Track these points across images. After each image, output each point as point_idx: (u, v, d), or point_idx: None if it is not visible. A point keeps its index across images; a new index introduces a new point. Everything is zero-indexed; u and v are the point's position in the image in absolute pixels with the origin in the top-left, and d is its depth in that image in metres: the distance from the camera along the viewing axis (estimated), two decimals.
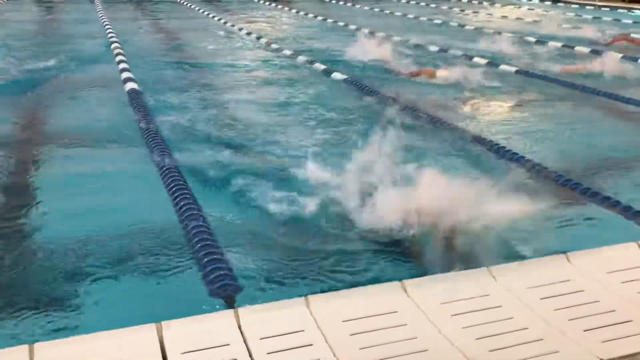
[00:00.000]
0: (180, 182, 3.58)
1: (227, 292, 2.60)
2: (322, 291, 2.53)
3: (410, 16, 14.72)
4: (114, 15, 13.54)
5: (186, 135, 4.85)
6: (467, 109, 6.09)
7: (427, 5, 18.09)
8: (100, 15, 13.44)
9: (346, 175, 3.70)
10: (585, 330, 2.33)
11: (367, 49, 9.25)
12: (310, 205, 3.48)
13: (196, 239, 2.99)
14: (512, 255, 2.96)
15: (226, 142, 4.72)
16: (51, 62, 7.99)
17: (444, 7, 17.36)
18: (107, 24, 11.62)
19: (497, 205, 3.23)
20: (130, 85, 6.30)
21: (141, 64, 7.84)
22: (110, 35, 10.18)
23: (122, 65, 7.40)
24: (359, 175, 3.65)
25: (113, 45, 9.05)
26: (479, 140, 4.96)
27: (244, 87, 6.81)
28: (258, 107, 5.88)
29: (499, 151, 4.68)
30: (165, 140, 4.49)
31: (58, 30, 11.38)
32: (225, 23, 12.42)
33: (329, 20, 13.51)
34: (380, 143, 3.86)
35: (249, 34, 10.96)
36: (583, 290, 2.60)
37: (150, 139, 4.45)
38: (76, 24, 12.36)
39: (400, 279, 2.54)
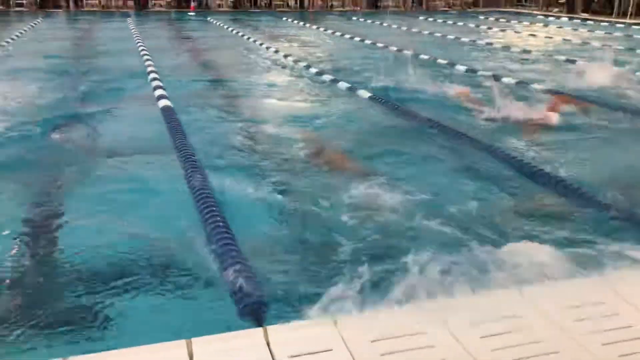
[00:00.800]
0: (210, 201, 3.58)
1: (255, 311, 2.59)
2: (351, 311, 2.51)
3: (438, 34, 14.71)
4: (146, 33, 13.82)
5: (217, 152, 4.88)
6: (514, 134, 5.67)
7: (454, 23, 18.08)
8: (133, 32, 13.75)
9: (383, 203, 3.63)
10: (620, 356, 2.27)
11: (396, 67, 9.25)
12: (343, 227, 3.46)
13: (225, 258, 3.00)
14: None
15: (257, 160, 4.71)
16: (85, 78, 8.19)
17: (471, 25, 17.32)
18: (139, 41, 11.87)
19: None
20: (163, 103, 6.37)
21: (173, 80, 7.96)
22: (142, 51, 10.39)
23: (155, 83, 7.52)
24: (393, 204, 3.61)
25: (146, 63, 9.22)
26: (540, 174, 4.46)
27: (272, 105, 6.84)
28: (289, 125, 5.88)
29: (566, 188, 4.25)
30: (196, 158, 4.50)
31: (92, 47, 11.67)
32: (254, 41, 12.55)
33: (356, 38, 13.58)
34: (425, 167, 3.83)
35: (276, 51, 11.06)
36: (618, 314, 2.53)
37: (183, 157, 4.46)
38: (110, 41, 12.64)
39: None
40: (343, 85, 7.84)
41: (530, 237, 3.36)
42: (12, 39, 12.41)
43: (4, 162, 4.56)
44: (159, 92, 6.93)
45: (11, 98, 6.74)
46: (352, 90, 7.53)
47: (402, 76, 8.93)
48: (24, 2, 20.25)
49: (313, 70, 9.05)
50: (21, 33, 13.45)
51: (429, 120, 5.99)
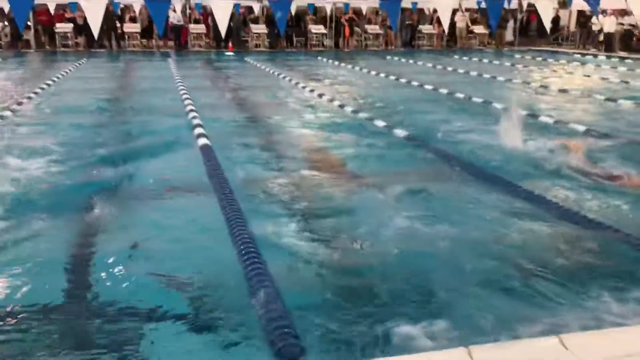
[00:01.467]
0: (249, 243, 3.59)
1: (290, 352, 2.57)
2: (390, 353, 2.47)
3: (473, 73, 14.73)
4: (185, 72, 14.23)
5: (254, 192, 4.91)
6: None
7: (490, 62, 18.09)
8: (173, 71, 14.17)
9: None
10: None
11: (431, 106, 9.28)
12: (380, 270, 3.45)
13: (262, 298, 3.01)
14: None
15: (294, 201, 4.72)
16: (126, 116, 8.44)
17: (507, 64, 17.30)
18: (179, 80, 12.21)
19: None
20: (202, 141, 6.50)
21: (212, 119, 8.12)
22: (182, 90, 10.67)
23: (194, 121, 7.69)
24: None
25: (185, 101, 9.46)
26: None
27: (307, 143, 6.89)
28: (324, 164, 5.91)
29: None
30: (236, 198, 4.54)
31: (133, 86, 12.06)
32: (290, 80, 12.76)
33: (391, 77, 13.70)
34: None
35: (312, 90, 11.22)
36: None
37: (222, 198, 4.50)
38: (150, 79, 13.05)
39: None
40: (379, 123, 7.87)
41: None
42: (58, 77, 12.92)
43: (43, 201, 4.67)
44: (197, 130, 7.07)
45: (52, 135, 6.95)
46: (388, 129, 7.55)
47: (437, 115, 8.96)
48: (70, 42, 21.11)
49: (348, 109, 9.13)
50: (66, 72, 14.00)
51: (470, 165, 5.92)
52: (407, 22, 23.80)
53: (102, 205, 4.55)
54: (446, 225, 4.17)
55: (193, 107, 8.79)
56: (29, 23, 20.93)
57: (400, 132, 7.27)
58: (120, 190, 5.06)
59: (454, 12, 23.83)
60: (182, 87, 11.14)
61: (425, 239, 3.97)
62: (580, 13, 23.98)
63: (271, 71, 14.76)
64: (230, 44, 22.10)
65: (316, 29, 23.37)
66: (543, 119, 8.42)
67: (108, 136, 7.09)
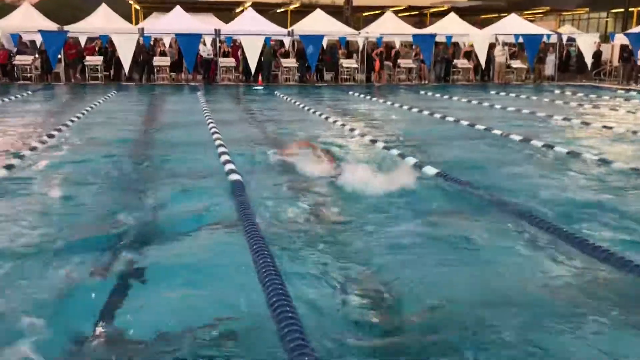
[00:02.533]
0: (279, 289, 3.58)
1: None
2: None
3: (511, 109, 14.70)
4: (214, 106, 14.54)
5: (284, 232, 4.94)
6: None
7: (528, 97, 18.05)
8: (202, 105, 14.48)
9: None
10: None
11: (466, 142, 9.24)
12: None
13: (288, 339, 3.01)
14: None
15: (324, 244, 4.71)
16: (154, 150, 8.63)
17: (547, 100, 17.24)
18: (207, 114, 12.47)
19: None
20: (232, 177, 6.61)
21: (242, 154, 8.29)
22: (210, 124, 10.88)
23: (223, 157, 7.82)
24: None
25: (214, 135, 9.64)
26: None
27: (337, 179, 6.90)
28: (354, 203, 5.92)
29: None
30: (263, 236, 4.57)
31: (161, 120, 12.34)
32: (320, 115, 12.91)
33: (425, 112, 13.75)
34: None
35: (342, 125, 11.32)
36: None
37: (251, 239, 4.52)
38: (179, 113, 13.36)
39: None
40: (410, 160, 7.88)
41: None
42: (87, 110, 13.32)
43: (69, 239, 4.78)
44: (228, 166, 7.18)
45: (79, 172, 7.10)
46: (419, 166, 7.55)
47: (471, 152, 8.95)
48: (99, 75, 21.81)
49: (380, 144, 9.17)
50: (95, 105, 14.43)
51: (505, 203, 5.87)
52: (442, 56, 23.99)
53: (125, 238, 4.65)
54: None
55: (222, 142, 8.95)
56: (59, 56, 21.74)
57: (430, 170, 7.25)
58: (145, 224, 5.13)
59: (491, 46, 23.96)
60: (210, 121, 11.36)
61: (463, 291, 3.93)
62: (623, 48, 23.83)
63: (301, 105, 14.99)
64: (260, 78, 22.53)
65: (347, 63, 23.70)
66: (586, 156, 8.31)
67: (133, 171, 7.25)
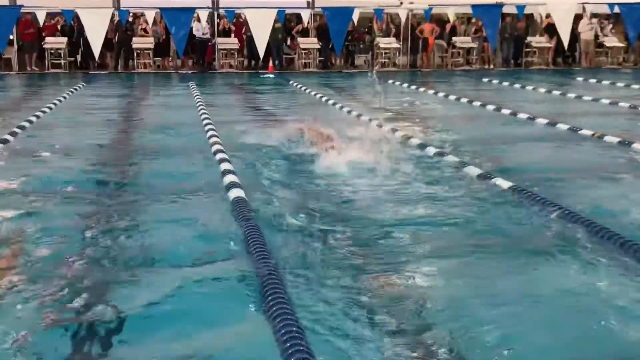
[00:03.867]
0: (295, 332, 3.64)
1: None
2: None
3: (605, 101, 14.54)
4: (212, 101, 14.60)
5: (301, 264, 4.97)
6: None
7: (628, 86, 17.85)
8: (196, 100, 14.56)
9: None
10: None
11: (548, 147, 9.14)
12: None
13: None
14: None
15: (355, 283, 4.72)
16: (137, 162, 8.68)
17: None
18: (203, 112, 12.52)
19: None
20: (234, 193, 6.64)
21: (246, 163, 8.34)
22: (207, 125, 10.92)
23: (223, 166, 7.87)
24: None
25: (211, 139, 9.68)
26: None
27: (374, 196, 6.90)
28: (396, 228, 5.87)
29: None
30: (270, 255, 4.63)
31: (145, 121, 12.45)
32: (349, 112, 12.88)
33: (489, 107, 13.66)
34: None
35: (380, 125, 11.27)
36: None
37: (261, 273, 4.59)
38: (167, 111, 13.50)
39: None
40: (472, 171, 7.84)
41: None
42: (48, 108, 13.46)
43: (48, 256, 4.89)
44: (228, 178, 7.21)
45: (36, 190, 7.12)
46: (485, 178, 7.49)
47: (552, 159, 8.85)
48: (62, 62, 22.16)
49: (431, 150, 9.10)
50: (59, 101, 14.60)
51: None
52: (511, 33, 23.88)
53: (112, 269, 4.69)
54: None
55: (221, 147, 9.00)
56: (11, 37, 22.14)
57: (503, 183, 7.18)
58: (131, 258, 5.16)
59: (576, 18, 23.79)
60: (208, 123, 11.40)
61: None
62: None
63: (325, 99, 15.02)
64: (270, 63, 22.70)
65: (385, 42, 23.78)
66: None
67: (114, 189, 7.28)
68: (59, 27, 23.03)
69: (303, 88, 17.32)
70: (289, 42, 24.23)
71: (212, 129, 10.64)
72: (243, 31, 23.29)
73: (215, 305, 4.36)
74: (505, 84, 18.67)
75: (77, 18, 22.36)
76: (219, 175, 7.56)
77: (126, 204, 6.71)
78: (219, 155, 8.50)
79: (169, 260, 5.10)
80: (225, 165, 7.88)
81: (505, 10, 23.87)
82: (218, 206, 6.42)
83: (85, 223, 5.99)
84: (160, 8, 22.44)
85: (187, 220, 6.08)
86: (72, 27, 22.91)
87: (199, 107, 13.34)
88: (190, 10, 22.11)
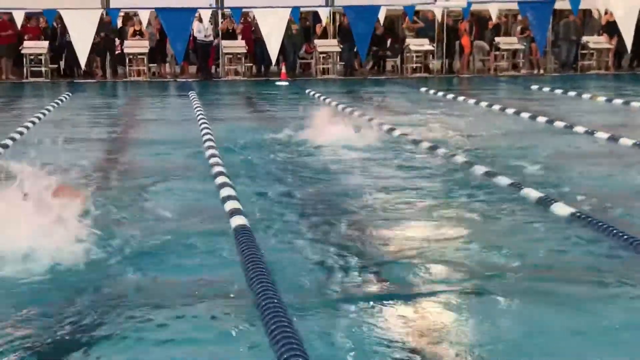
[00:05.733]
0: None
1: None
2: None
3: None
4: (214, 114, 14.59)
5: (314, 309, 4.96)
6: None
7: None
8: (197, 113, 14.54)
9: None
10: None
11: (614, 168, 9.07)
12: None
13: None
14: None
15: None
16: (131, 189, 8.58)
17: None
18: (205, 127, 12.47)
19: None
20: (237, 221, 6.61)
21: (252, 189, 8.33)
22: (209, 143, 10.88)
23: (226, 191, 7.82)
24: None
25: (211, 159, 9.65)
26: None
27: (408, 229, 6.85)
28: (432, 265, 5.83)
29: None
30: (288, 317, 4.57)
31: (138, 141, 12.38)
32: (381, 125, 12.77)
33: (540, 119, 13.53)
34: None
35: (416, 142, 11.17)
36: None
37: (266, 313, 4.61)
38: (162, 128, 13.48)
39: None
40: (530, 194, 7.79)
41: None
42: (29, 124, 13.39)
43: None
44: (231, 204, 7.21)
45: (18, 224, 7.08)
46: (543, 203, 7.41)
47: (617, 181, 8.78)
48: (43, 69, 22.28)
49: (478, 169, 9.08)
50: (42, 115, 14.58)
51: None
52: (566, 32, 23.71)
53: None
54: None
55: (223, 169, 8.98)
56: None
57: (563, 209, 7.11)
58: (132, 293, 5.24)
59: None
60: (208, 137, 11.36)
61: None
62: None
63: (348, 110, 15.03)
64: (283, 69, 22.71)
65: (417, 44, 23.75)
66: None
67: (101, 216, 7.18)
68: (40, 28, 23.07)
69: (321, 98, 17.29)
70: (305, 45, 24.22)
71: (212, 144, 10.65)
72: (252, 33, 23.34)
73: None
74: (558, 91, 18.52)
75: (60, 19, 22.49)
76: (219, 199, 7.57)
77: (118, 229, 6.65)
78: (220, 178, 8.48)
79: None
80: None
81: (557, 6, 23.74)
82: (218, 232, 6.44)
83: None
84: (155, 8, 22.55)
85: (186, 241, 6.14)
86: (54, 30, 23.03)
87: (200, 122, 13.27)
88: (191, 12, 22.18)
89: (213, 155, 10.07)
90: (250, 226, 6.61)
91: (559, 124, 12.93)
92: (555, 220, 6.96)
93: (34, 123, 13.88)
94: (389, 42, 24.15)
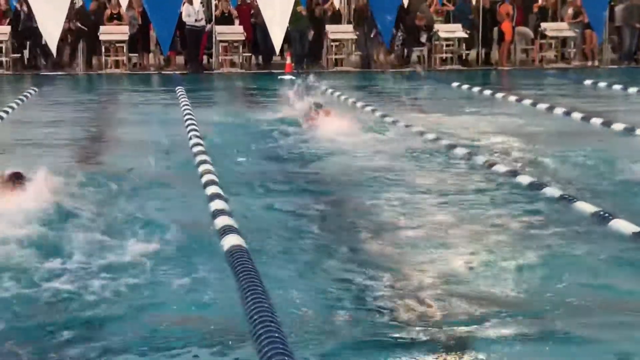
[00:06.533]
0: None
1: None
2: None
3: None
4: (206, 115, 14.57)
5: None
6: None
7: None
8: (185, 113, 14.52)
9: None
10: None
11: None
12: None
13: None
14: None
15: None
16: (110, 204, 8.54)
17: None
18: (193, 130, 12.42)
19: None
20: (230, 240, 6.62)
21: (249, 203, 8.35)
22: (197, 148, 10.85)
23: (216, 204, 7.85)
24: None
25: (202, 167, 9.69)
26: None
27: (435, 253, 6.86)
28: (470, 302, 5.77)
29: None
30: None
31: (116, 149, 12.33)
32: (407, 126, 12.86)
33: (595, 121, 13.46)
34: None
35: (451, 147, 11.20)
36: None
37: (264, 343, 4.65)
38: (144, 131, 13.49)
39: None
40: (583, 208, 7.80)
41: None
42: None
43: None
44: (222, 220, 7.27)
45: None
46: (601, 218, 7.40)
47: None
48: (3, 59, 22.28)
49: (524, 179, 9.13)
50: (5, 114, 14.54)
51: None
52: (628, 18, 23.58)
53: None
54: None
55: (214, 178, 9.03)
56: None
57: (625, 225, 7.14)
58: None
59: None
60: (197, 142, 11.32)
61: None
62: None
63: (367, 108, 15.04)
64: (289, 60, 22.65)
65: (448, 30, 23.69)
66: None
67: (84, 242, 7.16)
68: (2, 10, 23.06)
69: (335, 93, 17.32)
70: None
71: (202, 149, 10.65)
72: (251, 17, 23.34)
73: None
74: (617, 87, 18.45)
75: (25, 1, 22.50)
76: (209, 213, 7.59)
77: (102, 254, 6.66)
78: (211, 187, 8.48)
79: None
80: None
81: None
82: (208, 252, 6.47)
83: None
84: None
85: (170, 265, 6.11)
86: (17, 13, 23.03)
87: (188, 127, 13.18)
88: None
89: (204, 168, 10.03)
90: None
91: (618, 126, 12.87)
92: (617, 238, 7.00)
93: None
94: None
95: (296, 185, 9.61)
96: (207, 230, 7.25)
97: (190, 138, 11.91)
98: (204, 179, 9.05)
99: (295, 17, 22.43)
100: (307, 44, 23.39)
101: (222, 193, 8.33)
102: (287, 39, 22.62)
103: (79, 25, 22.52)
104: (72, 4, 22.35)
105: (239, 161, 10.69)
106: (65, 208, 7.93)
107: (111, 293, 5.87)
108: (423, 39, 23.50)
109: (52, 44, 21.90)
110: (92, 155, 11.44)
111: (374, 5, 22.65)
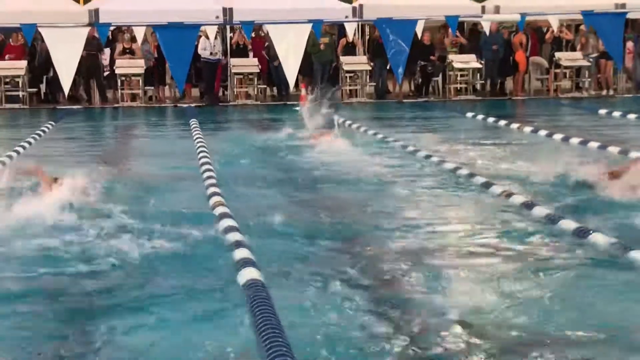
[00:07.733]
0: None
1: None
2: None
3: None
4: (220, 148, 14.55)
5: None
6: None
7: None
8: (198, 147, 14.46)
9: None
10: None
11: None
12: None
13: None
14: None
15: None
16: (124, 247, 8.42)
17: None
18: (207, 165, 12.35)
19: None
20: (248, 273, 6.61)
21: (266, 237, 8.28)
22: (210, 185, 10.76)
23: (233, 236, 7.87)
24: None
25: (214, 199, 9.67)
26: None
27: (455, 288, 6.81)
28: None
29: None
30: None
31: (130, 186, 12.26)
32: (427, 158, 12.87)
33: (612, 149, 13.38)
34: None
35: (471, 175, 11.34)
36: None
37: None
38: (157, 167, 13.43)
39: None
40: (601, 240, 7.70)
41: None
42: (5, 159, 13.27)
43: None
44: (241, 253, 7.24)
45: None
46: (621, 249, 7.36)
47: None
48: (20, 94, 22.32)
49: (541, 211, 9.08)
50: (16, 152, 14.47)
51: None
52: None
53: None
54: None
55: (228, 210, 9.01)
56: None
57: None
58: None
59: None
60: (210, 178, 11.24)
61: None
62: None
63: (382, 138, 15.15)
64: (303, 91, 22.60)
65: (462, 61, 23.65)
66: None
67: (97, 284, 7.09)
68: (17, 45, 23.11)
69: (349, 124, 17.41)
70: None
71: (214, 184, 10.61)
72: (265, 50, 23.37)
73: None
74: (632, 116, 18.42)
75: (40, 36, 22.51)
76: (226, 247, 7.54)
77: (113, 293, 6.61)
78: (225, 221, 8.42)
79: None
80: (233, 235, 7.57)
81: (630, 16, 23.54)
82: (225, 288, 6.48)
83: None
84: (152, 24, 22.50)
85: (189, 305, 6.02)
86: (33, 48, 23.09)
87: (201, 157, 13.14)
88: (194, 28, 22.09)
89: (216, 202, 9.93)
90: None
91: (635, 154, 12.74)
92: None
93: (17, 152, 13.96)
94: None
95: (314, 207, 9.71)
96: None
97: (201, 162, 12.07)
98: (217, 209, 9.08)
99: (317, 49, 22.48)
100: (327, 77, 23.39)
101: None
102: (301, 71, 22.58)
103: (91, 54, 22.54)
104: (89, 38, 22.29)
105: (252, 198, 10.59)
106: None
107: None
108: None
109: (66, 80, 21.83)
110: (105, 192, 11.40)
111: (386, 40, 22.58)
